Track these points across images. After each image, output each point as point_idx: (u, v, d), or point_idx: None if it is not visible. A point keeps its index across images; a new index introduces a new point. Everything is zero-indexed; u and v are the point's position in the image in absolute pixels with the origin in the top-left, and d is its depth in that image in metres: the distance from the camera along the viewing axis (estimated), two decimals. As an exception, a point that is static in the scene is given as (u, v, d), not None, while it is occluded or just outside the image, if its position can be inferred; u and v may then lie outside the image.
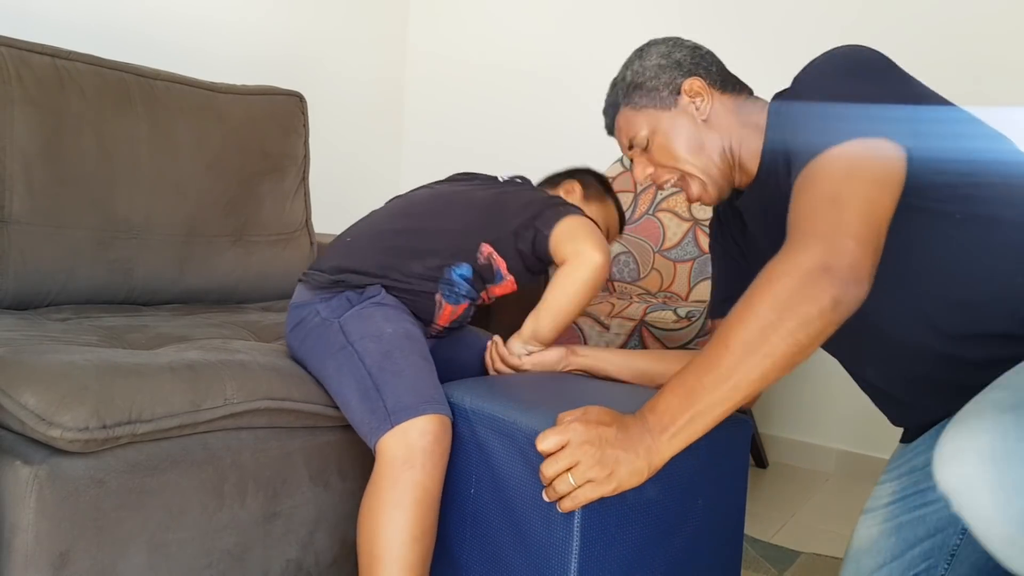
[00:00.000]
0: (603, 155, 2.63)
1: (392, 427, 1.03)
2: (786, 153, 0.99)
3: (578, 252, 1.21)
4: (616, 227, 1.63)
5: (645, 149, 1.15)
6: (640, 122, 1.14)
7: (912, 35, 2.19)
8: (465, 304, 1.31)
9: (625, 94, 1.16)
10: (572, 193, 1.55)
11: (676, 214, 2.32)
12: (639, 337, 1.91)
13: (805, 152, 0.90)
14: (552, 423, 0.94)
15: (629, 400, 1.11)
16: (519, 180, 1.43)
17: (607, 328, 1.96)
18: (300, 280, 1.32)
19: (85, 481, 0.91)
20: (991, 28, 2.10)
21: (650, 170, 1.15)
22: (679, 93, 1.13)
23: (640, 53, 1.18)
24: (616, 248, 2.35)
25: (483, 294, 1.33)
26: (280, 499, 1.10)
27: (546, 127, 2.83)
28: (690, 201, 1.15)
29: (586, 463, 0.86)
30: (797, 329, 0.79)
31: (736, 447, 1.09)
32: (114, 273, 1.51)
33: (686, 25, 2.55)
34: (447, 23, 2.99)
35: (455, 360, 1.32)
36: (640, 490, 0.96)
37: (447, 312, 1.29)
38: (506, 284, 1.32)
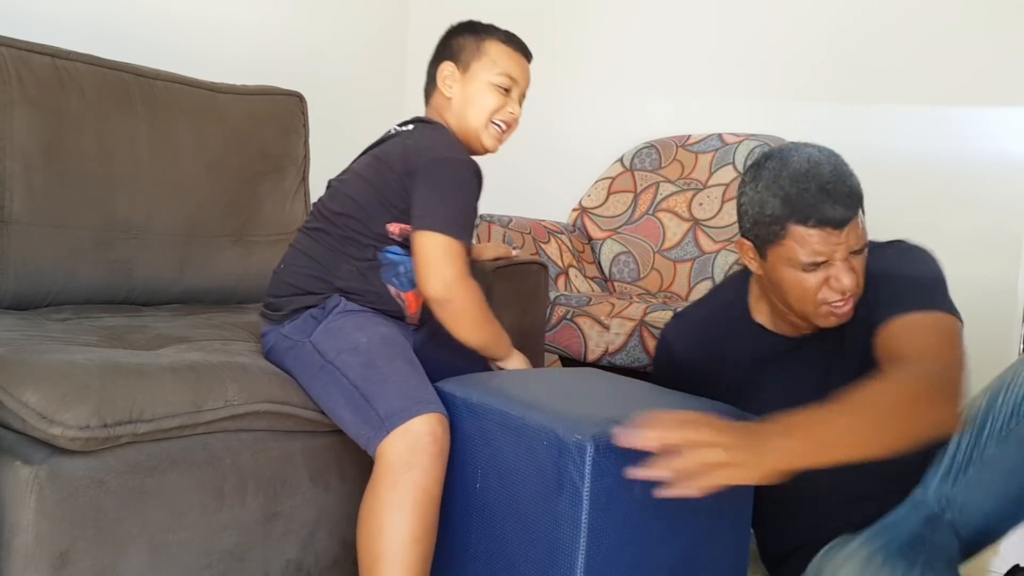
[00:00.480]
0: (603, 154, 2.64)
1: (388, 433, 1.03)
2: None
3: (438, 290, 1.19)
4: (508, 59, 1.35)
5: (859, 253, 1.13)
6: (865, 232, 1.14)
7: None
8: None
9: (861, 203, 1.12)
10: (451, 75, 1.33)
11: (676, 214, 2.32)
12: (639, 337, 1.91)
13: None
14: (555, 419, 0.94)
15: (637, 397, 1.11)
16: (399, 129, 1.35)
17: (607, 328, 1.96)
18: (261, 314, 1.30)
19: (85, 481, 0.91)
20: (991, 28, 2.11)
21: (854, 278, 1.12)
22: None
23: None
24: (616, 248, 2.36)
25: None
26: (280, 499, 1.10)
27: (546, 126, 2.83)
28: (843, 319, 1.16)
29: (724, 441, 0.86)
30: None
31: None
32: (114, 273, 1.51)
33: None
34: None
35: (455, 361, 1.31)
36: (648, 486, 0.95)
37: (411, 299, 1.27)
38: None
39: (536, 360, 1.78)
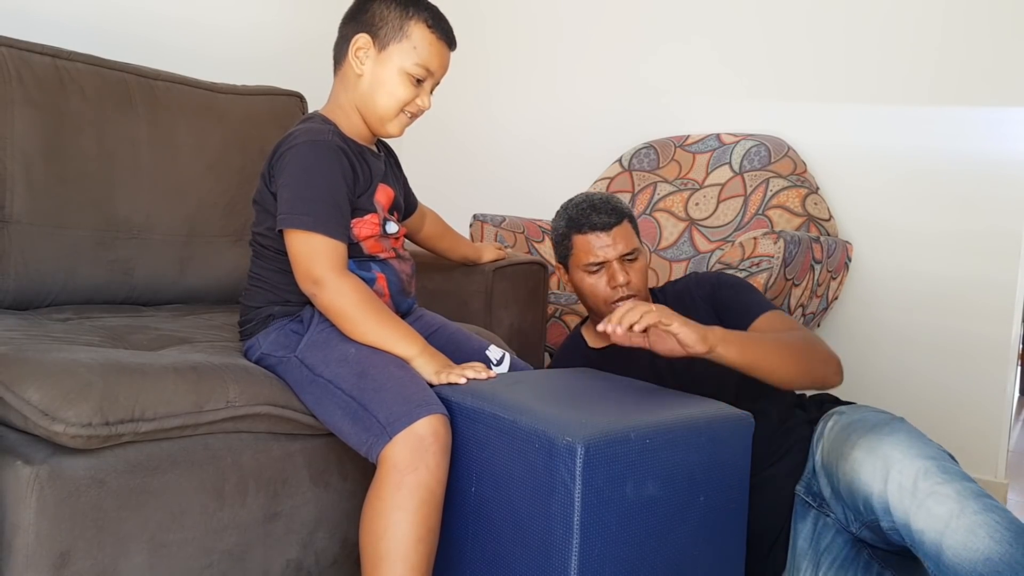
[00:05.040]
0: (602, 154, 2.64)
1: (391, 438, 1.02)
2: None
3: (313, 294, 1.16)
4: (430, 48, 1.24)
5: (633, 260, 1.45)
6: (636, 241, 1.47)
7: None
8: (388, 259, 1.27)
9: (625, 216, 1.47)
10: (364, 48, 1.25)
11: (672, 214, 2.32)
12: (638, 337, 1.91)
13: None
14: (546, 422, 0.96)
15: (630, 398, 1.12)
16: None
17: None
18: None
19: (86, 481, 0.92)
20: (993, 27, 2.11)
21: (627, 278, 1.43)
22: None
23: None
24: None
25: (380, 243, 1.27)
26: (281, 499, 1.11)
27: (546, 125, 2.84)
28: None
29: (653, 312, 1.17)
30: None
31: (738, 443, 1.10)
32: (115, 273, 1.51)
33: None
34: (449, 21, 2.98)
35: (455, 362, 1.32)
36: (640, 487, 0.96)
37: (383, 282, 1.26)
38: (370, 220, 1.25)
39: (536, 360, 1.78)
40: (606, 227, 1.43)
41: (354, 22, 1.27)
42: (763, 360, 1.24)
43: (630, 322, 1.16)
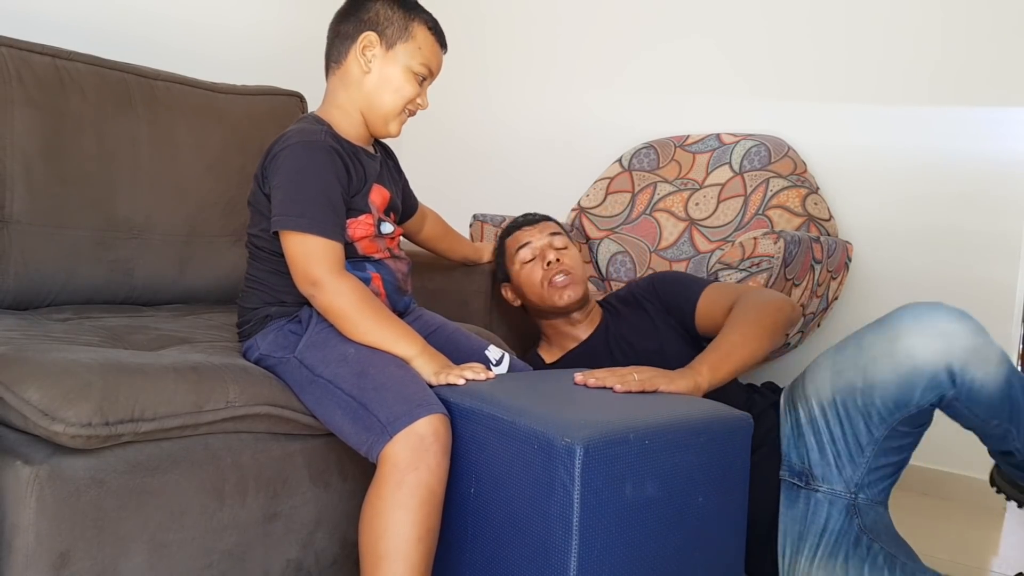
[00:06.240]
0: (602, 154, 2.64)
1: (391, 437, 1.02)
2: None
3: (311, 295, 1.16)
4: (432, 48, 1.30)
5: (564, 249, 1.59)
6: (566, 238, 1.63)
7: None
8: (383, 259, 1.28)
9: (550, 219, 1.67)
10: (371, 47, 1.26)
11: (672, 214, 2.32)
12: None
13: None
14: (545, 423, 0.96)
15: (628, 399, 1.12)
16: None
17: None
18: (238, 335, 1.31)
19: (86, 481, 0.92)
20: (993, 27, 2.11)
21: (556, 255, 1.57)
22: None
23: None
24: (613, 248, 2.36)
25: (375, 243, 1.28)
26: (280, 499, 1.11)
27: (546, 125, 2.84)
28: (571, 295, 1.55)
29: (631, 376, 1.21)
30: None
31: (736, 444, 1.10)
32: (115, 273, 1.51)
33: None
34: (448, 22, 2.99)
35: (454, 362, 1.32)
36: (639, 488, 0.96)
37: (378, 281, 1.27)
38: (365, 220, 1.26)
39: (536, 360, 1.78)
40: (531, 223, 1.64)
41: (355, 21, 1.27)
42: (745, 360, 1.31)
43: (609, 386, 1.18)
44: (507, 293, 1.67)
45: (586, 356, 1.57)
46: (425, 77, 1.29)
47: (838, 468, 1.20)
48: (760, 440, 1.28)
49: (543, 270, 1.55)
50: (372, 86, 1.26)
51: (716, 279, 1.77)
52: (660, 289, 1.60)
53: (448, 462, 1.05)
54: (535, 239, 1.59)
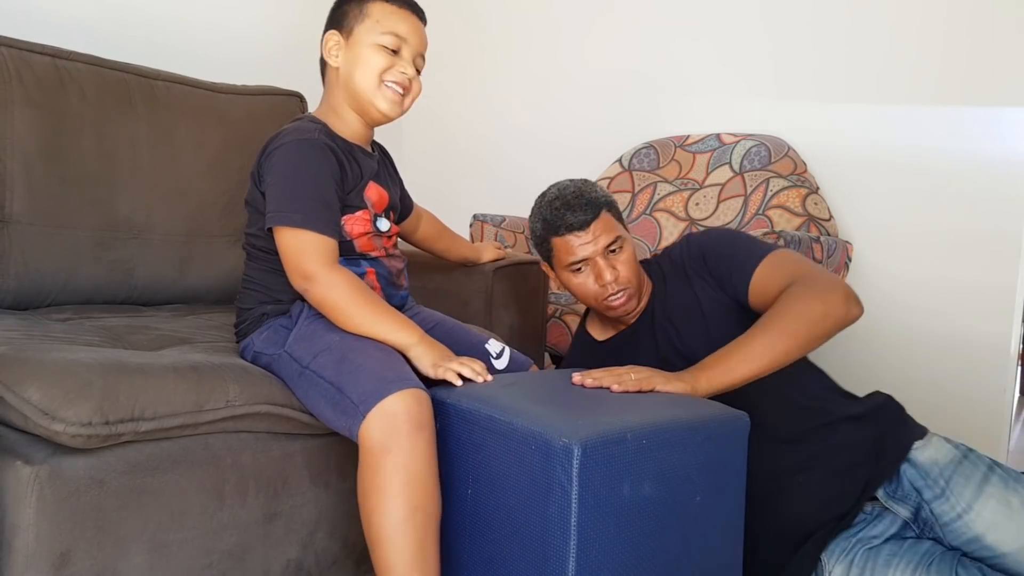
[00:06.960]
0: (602, 154, 2.64)
1: (364, 417, 1.01)
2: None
3: (305, 290, 1.16)
4: (393, 16, 1.27)
5: (618, 252, 1.39)
6: (618, 229, 1.40)
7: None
8: (378, 257, 1.28)
9: (603, 207, 1.38)
10: (335, 43, 1.28)
11: (672, 214, 2.32)
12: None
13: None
14: (543, 423, 0.96)
15: (626, 399, 1.12)
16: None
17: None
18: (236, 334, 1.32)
19: (86, 481, 0.92)
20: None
21: (615, 273, 1.38)
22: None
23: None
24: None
25: (372, 241, 1.28)
26: (281, 499, 1.11)
27: (546, 125, 2.84)
28: (625, 311, 1.42)
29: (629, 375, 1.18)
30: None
31: (734, 443, 1.10)
32: (115, 273, 1.51)
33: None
34: (447, 22, 2.99)
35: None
36: (637, 487, 0.96)
37: (372, 276, 1.27)
38: (362, 216, 1.27)
39: (536, 359, 1.79)
40: (583, 225, 1.36)
41: (326, 28, 1.31)
42: (757, 373, 1.22)
43: (606, 386, 1.17)
44: (550, 274, 1.49)
45: (631, 341, 1.46)
46: (396, 48, 1.25)
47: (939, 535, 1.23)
48: (830, 446, 1.28)
49: (598, 287, 1.39)
50: (345, 75, 1.27)
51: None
52: (711, 262, 1.41)
53: (427, 439, 1.02)
54: (586, 250, 1.37)
